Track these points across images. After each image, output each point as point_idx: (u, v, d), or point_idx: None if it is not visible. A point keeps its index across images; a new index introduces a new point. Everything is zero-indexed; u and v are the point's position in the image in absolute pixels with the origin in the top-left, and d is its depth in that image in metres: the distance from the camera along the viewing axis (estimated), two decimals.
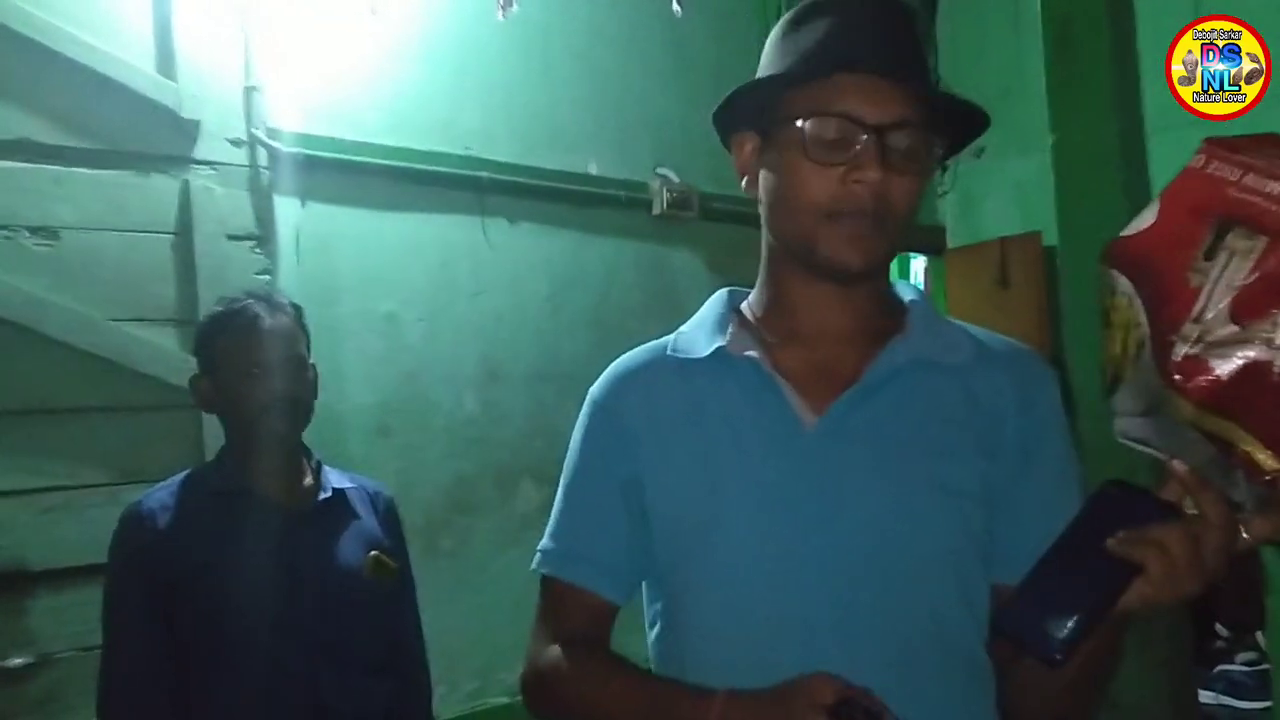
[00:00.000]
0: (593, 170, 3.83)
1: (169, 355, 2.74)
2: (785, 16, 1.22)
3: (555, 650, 1.25)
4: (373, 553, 2.09)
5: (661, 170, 3.98)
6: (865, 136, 1.11)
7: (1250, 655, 3.49)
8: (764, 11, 4.33)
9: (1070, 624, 0.90)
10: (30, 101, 2.63)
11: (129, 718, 1.97)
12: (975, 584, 1.18)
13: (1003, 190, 4.70)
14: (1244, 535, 0.90)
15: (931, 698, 1.13)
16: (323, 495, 2.09)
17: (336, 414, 2.97)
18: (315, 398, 2.11)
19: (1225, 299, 0.81)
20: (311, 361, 2.12)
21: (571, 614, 1.26)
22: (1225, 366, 0.80)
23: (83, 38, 2.67)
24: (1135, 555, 0.90)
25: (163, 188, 2.82)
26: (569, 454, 1.32)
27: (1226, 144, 0.86)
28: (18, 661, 2.49)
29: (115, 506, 2.09)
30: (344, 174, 3.20)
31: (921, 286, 5.82)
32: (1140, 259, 0.87)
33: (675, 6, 3.43)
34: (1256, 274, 0.80)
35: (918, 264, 5.80)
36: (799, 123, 1.13)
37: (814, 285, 1.21)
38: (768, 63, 1.22)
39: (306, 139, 3.10)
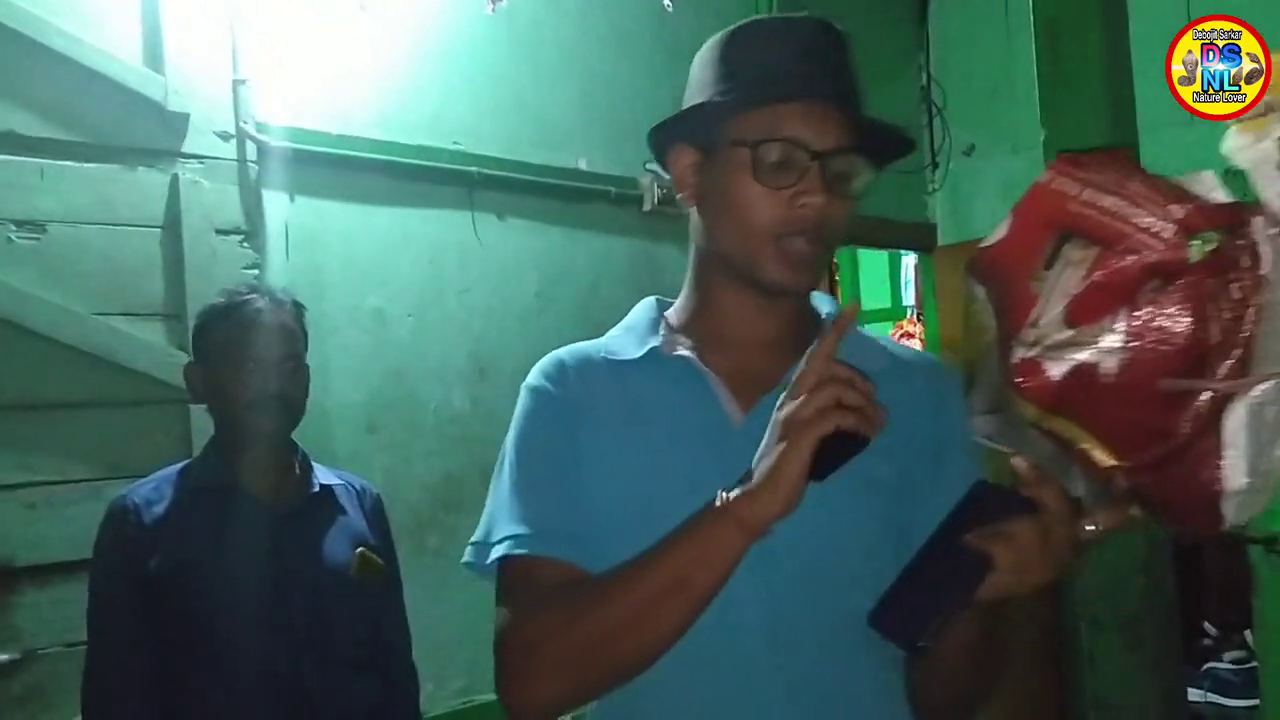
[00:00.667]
0: (583, 166, 3.82)
1: (156, 350, 2.73)
2: (720, 34, 1.27)
3: (536, 603, 1.19)
4: (359, 550, 2.08)
5: (651, 166, 3.92)
6: (811, 161, 1.17)
7: (1238, 654, 3.50)
8: (755, 8, 4.33)
9: (931, 614, 0.96)
10: (16, 94, 2.61)
11: (113, 714, 1.96)
12: (892, 576, 1.20)
13: (993, 188, 4.72)
14: (1089, 528, 0.95)
15: (856, 687, 1.19)
16: (309, 492, 2.08)
17: (323, 410, 2.96)
18: (307, 397, 2.10)
19: (1060, 305, 0.86)
20: (307, 358, 2.11)
21: (550, 583, 1.20)
22: (1058, 368, 0.85)
23: (69, 30, 2.66)
24: (987, 548, 0.96)
25: (150, 181, 2.80)
26: (512, 441, 1.30)
27: (1074, 160, 0.91)
28: (2, 658, 2.47)
29: (101, 502, 2.08)
30: (333, 168, 3.18)
31: (911, 284, 5.83)
32: (992, 268, 0.93)
33: (665, 1, 3.43)
34: (1088, 281, 0.85)
35: (908, 261, 5.81)
36: (748, 146, 1.18)
37: (745, 296, 1.26)
38: (706, 79, 1.26)
39: (295, 133, 3.09)
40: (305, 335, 2.12)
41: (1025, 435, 0.91)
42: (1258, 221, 0.84)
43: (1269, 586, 3.00)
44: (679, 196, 1.29)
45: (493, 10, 3.15)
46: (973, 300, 0.96)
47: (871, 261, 5.99)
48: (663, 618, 1.10)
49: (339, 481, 2.16)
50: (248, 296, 2.06)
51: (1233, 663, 3.49)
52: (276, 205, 3.07)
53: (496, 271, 3.56)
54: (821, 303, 1.36)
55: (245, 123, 2.98)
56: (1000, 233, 0.93)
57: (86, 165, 2.71)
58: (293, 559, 2.02)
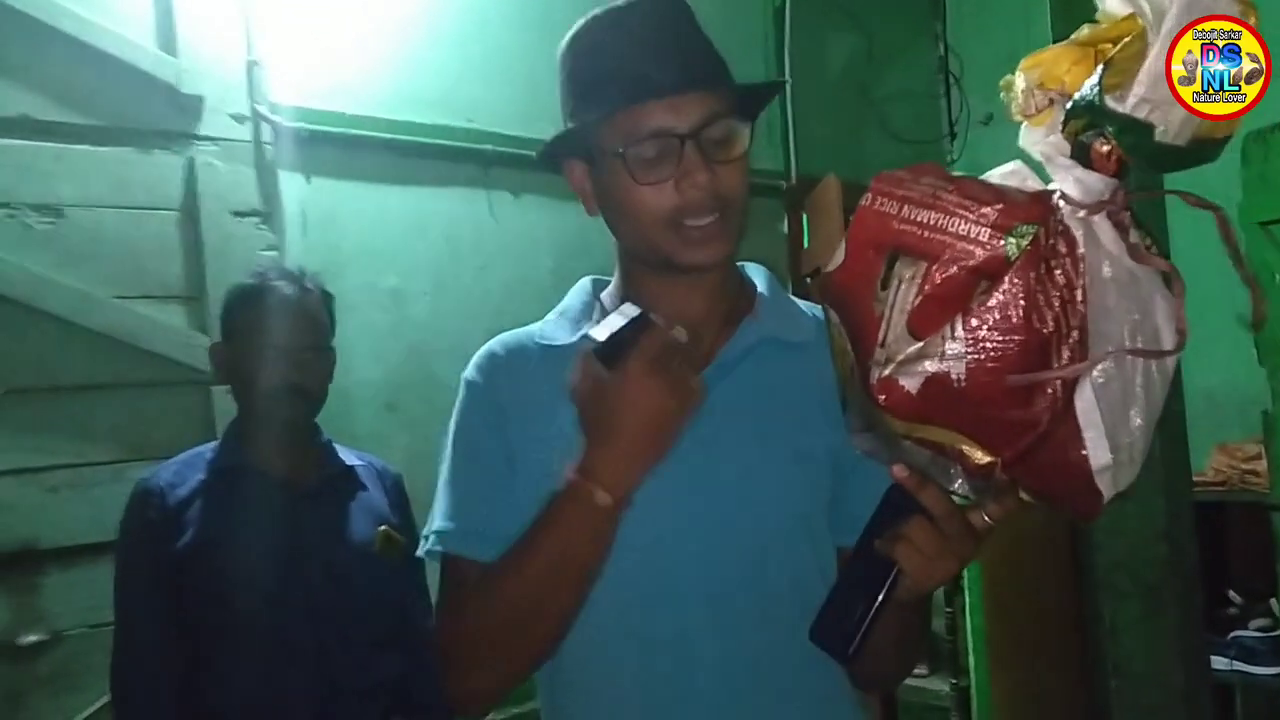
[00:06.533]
0: None
1: (176, 332, 2.74)
2: (564, 42, 1.30)
3: (455, 603, 1.25)
4: (382, 528, 2.08)
5: None
6: (683, 145, 1.18)
7: (1263, 622, 3.47)
8: None
9: (851, 625, 1.03)
10: (30, 78, 2.61)
11: (140, 692, 1.98)
12: (824, 546, 1.28)
13: (1012, 158, 4.66)
14: (984, 519, 1.00)
15: (793, 653, 1.20)
16: (331, 472, 2.09)
17: (342, 390, 2.94)
18: (330, 381, 2.11)
19: (902, 321, 0.90)
20: (333, 344, 2.12)
21: (470, 580, 1.25)
22: (913, 382, 0.88)
23: (82, 14, 2.65)
24: (891, 552, 1.01)
25: (166, 164, 2.81)
26: (450, 437, 1.35)
27: (890, 180, 0.94)
28: (29, 639, 2.50)
29: (122, 484, 2.09)
30: (348, 148, 3.18)
31: None
32: (838, 294, 0.96)
33: None
34: (921, 295, 0.89)
35: None
36: (619, 155, 1.20)
37: (665, 280, 1.28)
38: (565, 92, 1.30)
39: (309, 114, 3.08)
40: (332, 322, 2.12)
41: (900, 447, 0.94)
42: (1065, 207, 0.88)
43: None
44: (586, 209, 1.32)
45: None
46: (829, 324, 0.99)
47: None
48: (554, 601, 1.17)
49: (360, 462, 2.17)
50: (275, 282, 2.06)
51: (1258, 631, 3.46)
52: (292, 186, 3.07)
53: (513, 249, 3.55)
54: (755, 274, 1.38)
55: (260, 104, 2.97)
56: (839, 258, 0.96)
57: (102, 149, 2.71)
58: (315, 538, 2.03)
